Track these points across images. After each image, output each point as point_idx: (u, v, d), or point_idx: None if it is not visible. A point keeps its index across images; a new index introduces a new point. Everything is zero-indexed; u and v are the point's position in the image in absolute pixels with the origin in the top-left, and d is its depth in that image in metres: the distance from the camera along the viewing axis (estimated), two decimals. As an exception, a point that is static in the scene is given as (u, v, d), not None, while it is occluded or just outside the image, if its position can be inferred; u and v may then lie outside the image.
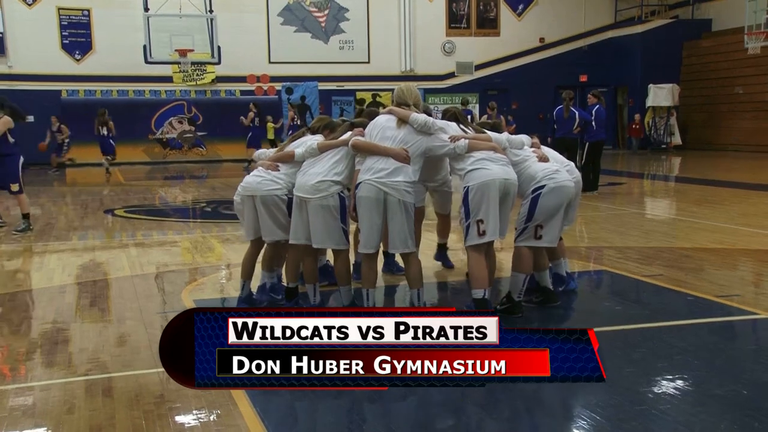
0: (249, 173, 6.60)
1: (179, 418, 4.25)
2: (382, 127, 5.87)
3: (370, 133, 5.92)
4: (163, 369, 4.99)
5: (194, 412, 4.30)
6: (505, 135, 6.22)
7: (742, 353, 5.47)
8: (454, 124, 6.10)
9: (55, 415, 4.34)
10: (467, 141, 5.82)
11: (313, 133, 6.46)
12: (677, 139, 27.61)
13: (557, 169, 6.09)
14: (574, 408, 4.41)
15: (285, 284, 6.47)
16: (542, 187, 5.91)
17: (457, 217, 6.19)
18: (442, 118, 6.36)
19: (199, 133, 26.44)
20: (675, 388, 4.54)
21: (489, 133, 6.14)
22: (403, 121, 5.82)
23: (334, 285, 7.08)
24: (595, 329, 5.84)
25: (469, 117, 19.09)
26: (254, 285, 6.68)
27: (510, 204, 5.86)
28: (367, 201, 5.69)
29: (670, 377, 4.69)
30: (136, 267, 8.47)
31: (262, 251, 6.59)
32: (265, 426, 4.06)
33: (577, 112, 14.81)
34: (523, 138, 6.43)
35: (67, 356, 5.40)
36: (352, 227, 6.27)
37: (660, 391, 4.50)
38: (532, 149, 6.34)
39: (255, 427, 4.04)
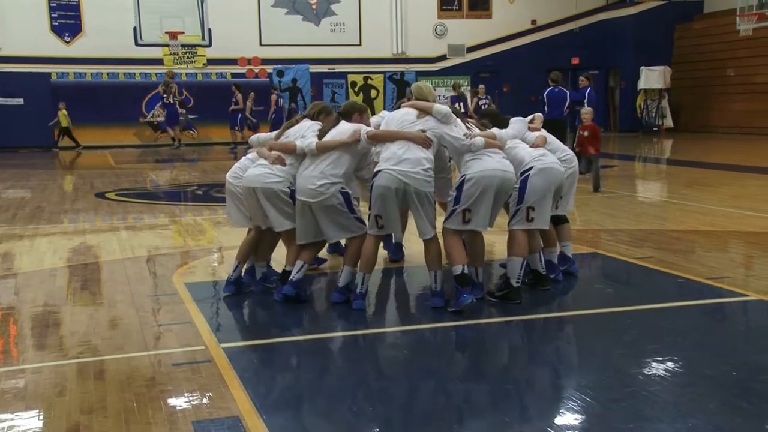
0: (242, 157, 6.60)
1: (171, 401, 4.25)
2: (401, 120, 5.94)
3: (387, 125, 6.00)
4: (154, 352, 5.03)
5: (186, 394, 4.30)
6: (495, 130, 6.21)
7: (732, 335, 5.51)
8: (459, 121, 6.10)
9: (46, 397, 4.34)
10: (483, 139, 5.86)
11: (311, 119, 6.40)
12: (669, 122, 27.60)
13: (544, 152, 6.18)
14: (565, 389, 4.44)
15: (282, 268, 6.43)
16: (530, 168, 5.98)
17: None
18: None
19: (190, 116, 26.32)
20: (665, 370, 4.56)
21: (494, 130, 6.17)
22: (424, 113, 5.88)
23: (318, 268, 7.18)
24: (586, 311, 5.93)
25: (461, 103, 19.69)
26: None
27: (504, 198, 5.91)
28: (385, 190, 5.68)
29: (660, 359, 4.72)
30: (127, 250, 8.45)
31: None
32: (256, 408, 4.06)
33: (568, 92, 14.82)
34: (511, 131, 6.40)
35: (58, 339, 5.40)
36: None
37: (650, 373, 4.52)
38: (533, 128, 6.47)
39: (246, 410, 4.05)
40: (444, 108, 5.92)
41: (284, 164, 6.13)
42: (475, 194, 5.69)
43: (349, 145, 5.96)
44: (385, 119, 6.13)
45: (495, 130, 6.17)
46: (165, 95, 24.70)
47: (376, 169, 5.79)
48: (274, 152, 6.22)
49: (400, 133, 5.80)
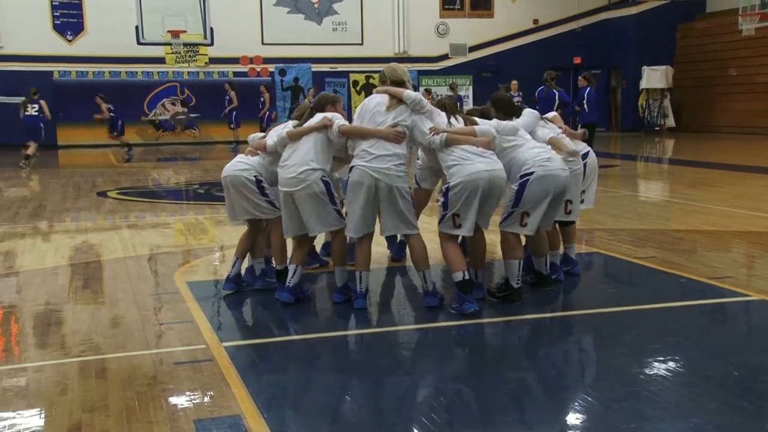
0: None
1: (172, 400, 4.25)
2: (372, 112, 5.86)
3: (360, 118, 5.91)
4: (156, 350, 5.03)
5: (187, 393, 4.30)
6: (494, 122, 6.08)
7: (734, 335, 5.50)
8: (443, 114, 5.97)
9: (48, 396, 4.34)
10: (444, 136, 5.71)
11: (318, 111, 6.40)
12: (671, 122, 27.59)
13: (549, 157, 5.92)
14: (566, 389, 4.43)
15: (274, 267, 6.46)
16: (531, 173, 5.78)
17: None
18: None
19: (192, 115, 26.32)
20: (666, 370, 4.56)
21: (479, 122, 5.97)
22: (396, 100, 5.80)
23: (320, 268, 7.15)
24: (588, 311, 5.92)
25: (458, 102, 19.23)
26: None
27: (497, 197, 5.75)
28: (359, 186, 5.68)
29: (662, 359, 4.71)
30: (129, 249, 8.46)
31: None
32: (257, 407, 4.06)
33: (556, 93, 14.81)
34: (519, 122, 6.31)
35: (60, 338, 5.40)
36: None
37: (651, 373, 4.52)
38: (552, 126, 6.47)
39: (248, 409, 4.05)
40: (414, 94, 5.82)
41: (257, 155, 6.30)
42: (460, 200, 5.55)
43: (321, 131, 5.96)
44: (358, 110, 6.00)
45: (480, 123, 5.94)
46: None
47: (350, 166, 5.81)
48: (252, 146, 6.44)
49: (370, 131, 5.75)
